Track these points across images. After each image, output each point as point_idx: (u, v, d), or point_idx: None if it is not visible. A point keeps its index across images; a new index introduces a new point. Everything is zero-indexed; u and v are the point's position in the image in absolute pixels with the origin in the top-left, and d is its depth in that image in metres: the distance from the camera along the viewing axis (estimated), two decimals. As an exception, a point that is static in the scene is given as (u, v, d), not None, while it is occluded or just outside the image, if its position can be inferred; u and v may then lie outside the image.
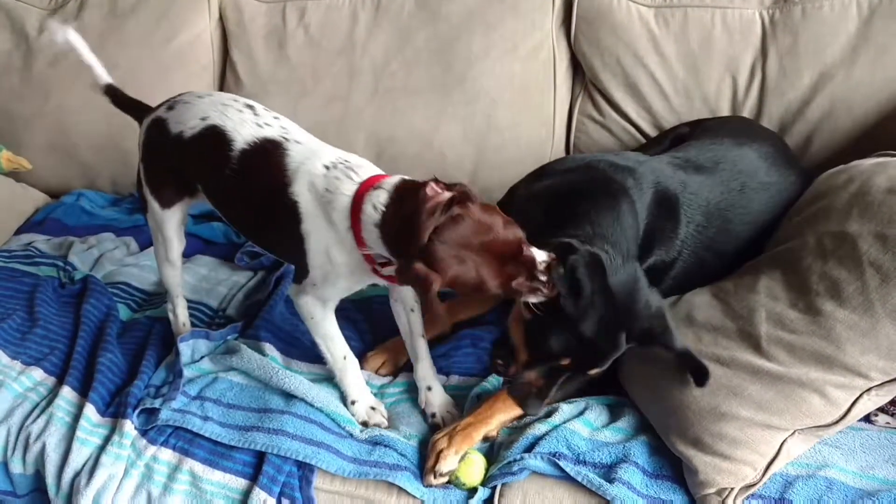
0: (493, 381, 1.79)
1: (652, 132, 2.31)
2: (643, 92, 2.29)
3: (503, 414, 1.68)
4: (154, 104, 2.53)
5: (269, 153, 1.65)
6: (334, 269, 1.60)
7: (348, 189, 1.55)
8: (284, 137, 1.67)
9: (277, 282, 2.14)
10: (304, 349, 1.91)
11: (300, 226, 1.59)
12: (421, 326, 1.80)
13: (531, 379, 1.64)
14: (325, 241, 1.58)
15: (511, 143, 2.40)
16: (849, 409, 1.50)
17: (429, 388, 1.78)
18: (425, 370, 1.79)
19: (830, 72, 2.13)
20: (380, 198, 1.51)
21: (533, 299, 1.50)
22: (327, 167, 1.59)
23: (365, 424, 1.73)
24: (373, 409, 1.76)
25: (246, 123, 1.69)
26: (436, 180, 1.45)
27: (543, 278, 1.46)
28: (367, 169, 1.61)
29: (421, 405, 1.78)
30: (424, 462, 1.63)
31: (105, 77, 2.01)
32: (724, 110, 2.24)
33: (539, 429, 1.64)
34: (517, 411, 1.68)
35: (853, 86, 2.12)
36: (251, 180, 1.67)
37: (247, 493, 1.64)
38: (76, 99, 2.65)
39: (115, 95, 2.00)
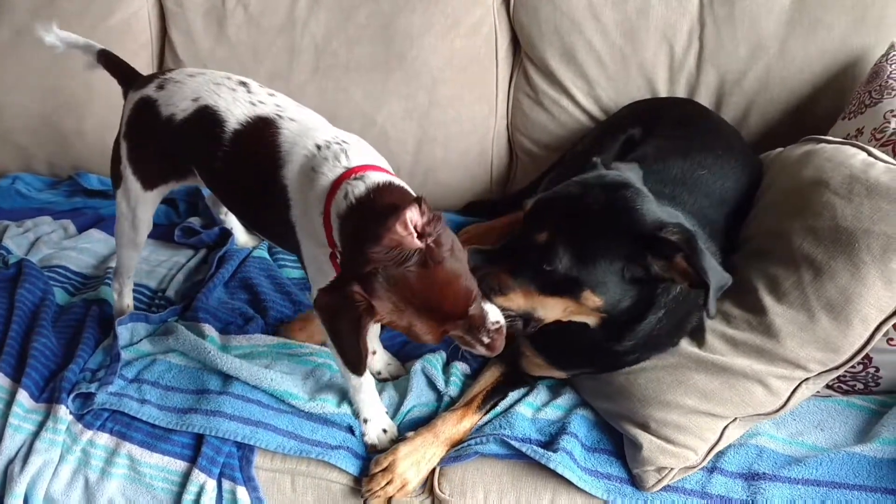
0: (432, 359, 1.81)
1: (586, 102, 2.31)
2: (579, 59, 2.28)
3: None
4: (90, 84, 2.49)
5: (261, 133, 1.57)
6: (321, 261, 1.51)
7: (332, 172, 1.46)
8: (279, 115, 1.59)
9: (220, 262, 2.12)
10: (239, 325, 1.90)
11: (289, 212, 1.53)
12: None
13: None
14: (306, 229, 1.52)
15: (453, 120, 2.39)
16: (788, 399, 1.54)
17: (373, 352, 1.82)
18: (371, 336, 1.80)
19: (766, 43, 2.15)
20: (355, 189, 1.40)
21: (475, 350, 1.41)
22: (319, 146, 1.50)
23: (373, 448, 1.65)
24: (384, 431, 1.67)
25: (239, 102, 1.62)
26: (419, 204, 1.26)
27: (486, 340, 1.37)
28: (362, 154, 1.50)
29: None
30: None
31: (96, 45, 1.91)
32: (661, 79, 2.25)
33: (482, 419, 1.67)
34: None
35: (788, 58, 2.14)
36: (244, 163, 1.60)
37: (186, 476, 1.63)
38: (9, 79, 2.58)
39: (107, 59, 1.90)
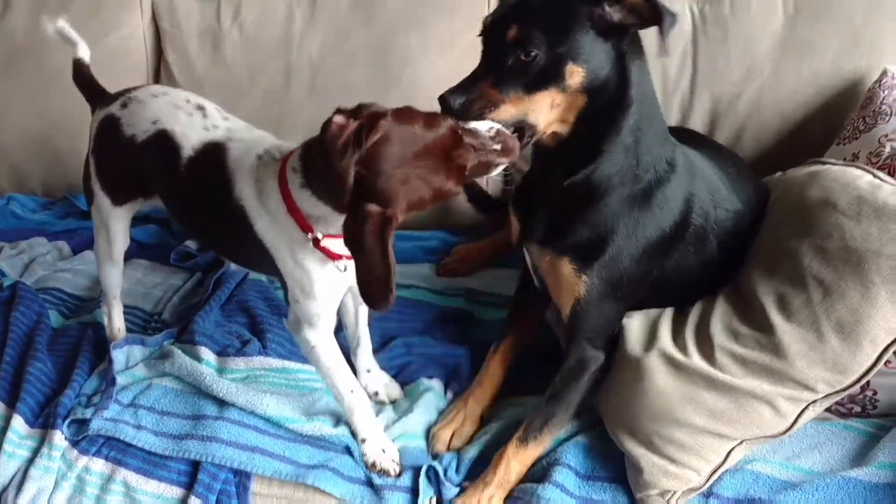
0: (426, 382, 1.82)
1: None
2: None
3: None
4: (85, 104, 2.47)
5: (212, 157, 1.58)
6: (301, 267, 1.53)
7: (273, 169, 1.49)
8: (229, 138, 1.60)
9: (216, 285, 2.11)
10: (237, 348, 1.90)
11: (254, 229, 1.53)
12: (366, 317, 1.82)
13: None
14: (278, 239, 1.53)
15: (449, 140, 2.39)
16: (795, 421, 1.54)
17: (368, 371, 1.83)
18: (365, 355, 1.83)
19: (759, 67, 2.17)
20: (295, 158, 1.46)
21: (500, 170, 1.43)
22: (260, 156, 1.54)
23: (373, 467, 1.63)
24: (383, 451, 1.64)
25: (194, 128, 1.62)
26: (338, 111, 1.34)
27: (497, 147, 1.38)
28: (292, 146, 1.53)
29: (363, 387, 1.80)
30: None
31: (77, 52, 1.88)
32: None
33: (471, 451, 1.67)
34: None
35: (780, 82, 2.16)
36: (200, 190, 1.61)
37: (183, 502, 1.61)
38: (4, 98, 2.58)
39: (78, 70, 1.88)
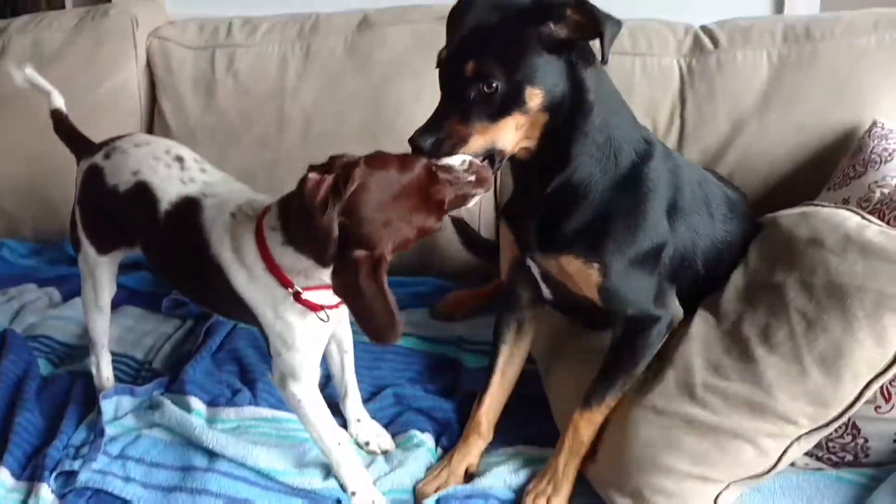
0: (419, 436, 1.80)
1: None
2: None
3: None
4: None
5: (187, 213, 1.60)
6: (282, 321, 1.54)
7: (249, 227, 1.51)
8: (203, 193, 1.62)
9: (207, 333, 2.10)
10: (228, 397, 1.88)
11: (232, 285, 1.54)
12: (353, 365, 1.81)
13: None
14: (258, 294, 1.53)
15: (442, 188, 2.41)
16: (779, 459, 1.53)
17: (358, 420, 1.81)
18: (354, 404, 1.82)
19: (745, 119, 2.21)
20: (273, 216, 1.47)
21: (476, 200, 1.46)
22: (234, 214, 1.55)
23: None
24: (373, 503, 1.63)
25: (172, 180, 1.64)
26: (311, 168, 1.38)
27: (471, 179, 1.42)
28: (266, 202, 1.54)
29: (353, 436, 1.79)
30: None
31: (54, 102, 1.93)
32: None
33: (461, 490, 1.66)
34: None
35: (766, 132, 2.20)
36: (178, 244, 1.62)
37: (171, 556, 1.59)
38: (-4, 144, 2.59)
39: (58, 121, 1.92)
